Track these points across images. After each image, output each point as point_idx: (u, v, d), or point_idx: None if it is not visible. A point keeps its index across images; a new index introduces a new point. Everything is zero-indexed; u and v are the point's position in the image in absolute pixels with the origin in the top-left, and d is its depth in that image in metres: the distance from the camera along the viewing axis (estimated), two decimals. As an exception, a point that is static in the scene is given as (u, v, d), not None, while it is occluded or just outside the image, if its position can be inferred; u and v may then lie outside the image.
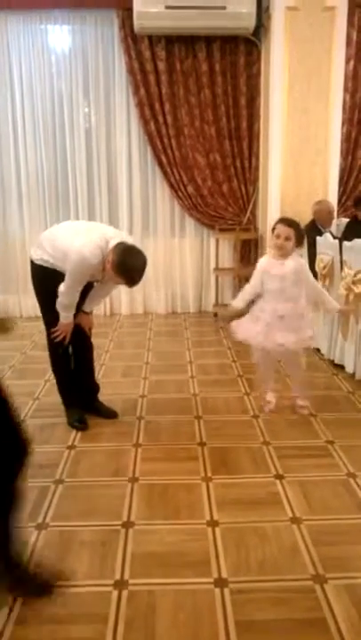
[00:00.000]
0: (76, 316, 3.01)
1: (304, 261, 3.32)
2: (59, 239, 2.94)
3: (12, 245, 5.57)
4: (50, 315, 2.98)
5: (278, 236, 3.03)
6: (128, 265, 2.73)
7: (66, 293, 2.86)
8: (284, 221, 3.09)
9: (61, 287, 2.85)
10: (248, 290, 3.25)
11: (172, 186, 5.45)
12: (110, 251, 2.75)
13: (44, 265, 2.95)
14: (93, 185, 5.54)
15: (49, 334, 3.03)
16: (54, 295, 2.88)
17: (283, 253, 3.05)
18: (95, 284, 3.11)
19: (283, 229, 3.02)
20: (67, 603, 1.81)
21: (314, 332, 3.24)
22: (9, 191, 5.49)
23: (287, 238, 3.01)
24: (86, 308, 3.09)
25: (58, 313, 2.94)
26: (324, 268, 4.06)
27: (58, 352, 3.09)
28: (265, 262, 3.15)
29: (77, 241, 2.82)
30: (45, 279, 2.95)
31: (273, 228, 3.08)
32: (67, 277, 2.83)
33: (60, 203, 5.58)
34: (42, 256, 2.97)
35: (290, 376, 3.51)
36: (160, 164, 5.41)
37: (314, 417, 3.22)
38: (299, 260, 3.15)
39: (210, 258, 5.71)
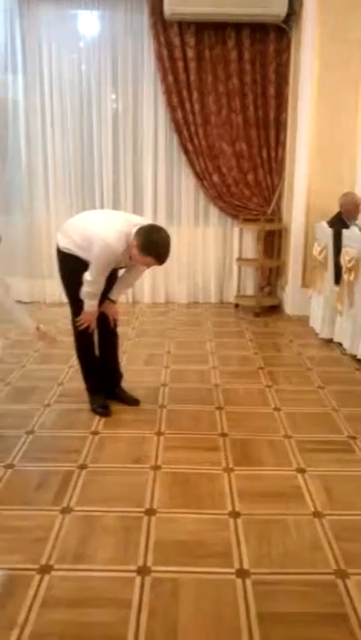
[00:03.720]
0: (101, 304, 3.03)
1: None
2: (84, 227, 2.95)
3: (38, 231, 5.61)
4: (76, 302, 3.00)
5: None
6: (153, 242, 2.75)
7: (91, 282, 2.87)
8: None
9: (86, 275, 2.86)
10: None
11: (197, 175, 5.43)
12: (134, 236, 2.76)
13: (71, 252, 2.97)
14: (119, 172, 5.54)
15: (74, 321, 3.05)
16: (80, 283, 2.90)
17: None
18: (119, 272, 3.13)
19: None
20: (91, 586, 1.84)
21: None
22: (35, 177, 5.51)
23: None
24: (112, 295, 3.10)
25: (81, 303, 2.96)
26: (350, 261, 4.01)
27: (83, 339, 3.12)
28: None
29: (102, 229, 2.83)
30: (72, 267, 2.97)
31: None
32: (91, 266, 2.84)
33: (85, 189, 5.59)
34: (68, 244, 2.98)
35: None
36: (186, 153, 5.38)
37: (336, 412, 3.21)
38: None
39: (233, 248, 5.68)
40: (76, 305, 3.00)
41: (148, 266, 2.93)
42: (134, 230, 2.78)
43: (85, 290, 2.90)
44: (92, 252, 2.82)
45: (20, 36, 5.21)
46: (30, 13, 5.17)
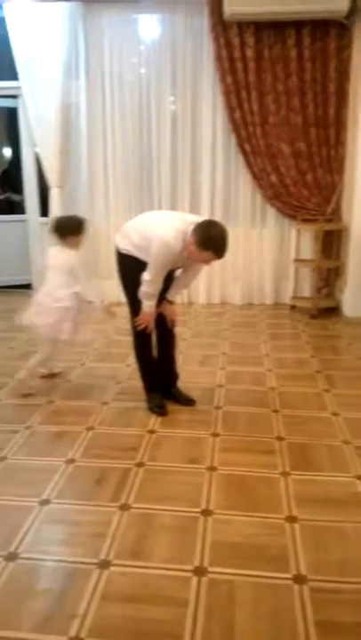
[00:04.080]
0: (159, 305, 3.07)
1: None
2: (143, 228, 3.00)
3: (97, 231, 5.73)
4: (134, 303, 3.05)
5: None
6: (211, 236, 2.75)
7: (149, 281, 2.91)
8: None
9: (144, 275, 2.90)
10: None
11: (254, 175, 5.39)
12: (191, 233, 2.78)
13: (129, 254, 3.02)
14: (177, 174, 5.58)
15: (133, 322, 3.10)
16: (138, 284, 2.94)
17: None
18: (176, 272, 3.15)
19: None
20: (148, 583, 1.88)
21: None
22: (96, 178, 5.64)
23: None
24: (170, 296, 3.14)
25: (139, 303, 3.01)
26: None
27: (141, 339, 3.17)
28: None
29: (160, 228, 2.86)
30: (130, 267, 3.02)
31: None
32: (150, 265, 2.88)
33: (143, 191, 5.67)
34: (127, 245, 3.04)
35: None
36: (243, 153, 5.35)
37: None
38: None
39: (290, 249, 5.61)
40: (135, 305, 3.06)
41: (207, 262, 2.91)
42: (191, 228, 2.80)
43: (144, 290, 2.95)
44: (151, 251, 2.85)
45: (83, 42, 5.34)
46: (93, 19, 5.29)
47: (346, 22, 4.89)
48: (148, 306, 3.00)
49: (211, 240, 2.75)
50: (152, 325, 3.12)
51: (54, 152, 5.56)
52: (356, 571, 1.92)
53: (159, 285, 2.96)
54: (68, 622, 1.72)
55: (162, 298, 3.09)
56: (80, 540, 2.10)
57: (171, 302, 3.16)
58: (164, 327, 3.22)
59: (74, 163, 5.67)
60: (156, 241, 2.82)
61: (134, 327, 3.11)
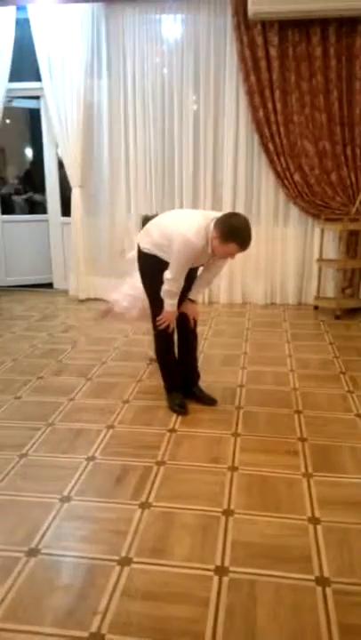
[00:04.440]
0: (181, 304, 3.06)
1: None
2: (165, 226, 2.99)
3: (119, 231, 5.76)
4: (156, 302, 3.05)
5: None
6: (234, 227, 2.73)
7: (170, 280, 2.90)
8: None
9: (166, 274, 2.89)
10: None
11: (277, 174, 5.35)
12: (213, 227, 2.76)
13: (150, 252, 3.02)
14: (199, 173, 5.57)
15: (155, 320, 3.10)
16: (160, 283, 2.93)
17: None
18: (198, 271, 3.14)
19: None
20: (169, 582, 1.86)
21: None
22: (118, 178, 5.66)
23: None
24: (192, 295, 3.12)
25: (161, 303, 3.00)
26: None
27: (162, 338, 3.16)
28: None
29: (181, 225, 2.85)
30: (152, 267, 3.01)
31: None
32: (171, 262, 2.87)
33: (165, 190, 5.67)
34: (148, 244, 3.03)
35: None
36: (267, 152, 5.31)
37: None
38: None
39: (313, 248, 5.55)
40: (156, 305, 3.05)
41: (232, 255, 2.85)
42: (212, 223, 2.78)
43: (165, 288, 2.94)
44: (172, 248, 2.84)
45: (105, 41, 5.37)
46: (115, 19, 5.31)
47: (372, 19, 4.82)
48: (170, 304, 2.99)
49: (234, 231, 2.73)
50: (174, 325, 3.11)
51: (76, 152, 5.60)
52: (380, 574, 1.88)
53: (181, 284, 2.94)
54: (89, 618, 1.71)
55: (184, 297, 3.08)
56: (101, 537, 2.10)
57: (193, 301, 3.15)
58: (186, 326, 3.20)
59: (95, 163, 5.70)
60: (178, 238, 2.81)
61: (156, 326, 3.10)
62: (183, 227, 2.83)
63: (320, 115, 5.13)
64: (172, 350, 3.24)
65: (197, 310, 3.20)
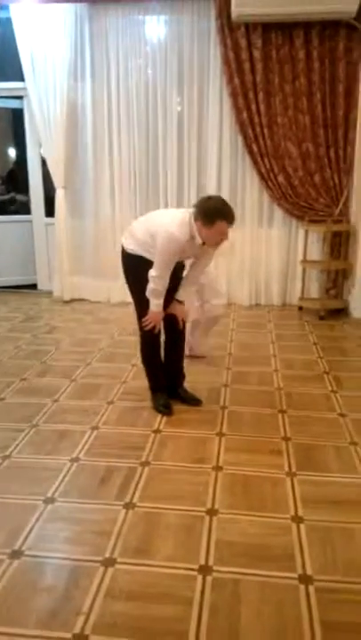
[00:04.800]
0: (169, 305, 3.06)
1: None
2: (149, 224, 3.00)
3: (103, 233, 5.75)
4: (141, 303, 3.04)
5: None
6: (212, 206, 2.76)
7: (156, 277, 2.88)
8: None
9: (151, 272, 2.88)
10: None
11: (261, 175, 5.38)
12: (194, 217, 2.78)
13: (135, 253, 3.02)
14: (183, 174, 5.58)
15: (140, 322, 3.09)
16: (146, 283, 2.93)
17: None
18: (184, 272, 3.14)
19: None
20: (153, 582, 1.87)
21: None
22: (102, 179, 5.64)
23: None
24: (179, 296, 3.12)
25: (147, 304, 2.99)
26: None
27: (148, 340, 3.14)
28: None
29: (165, 221, 2.88)
30: (136, 267, 3.01)
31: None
32: (156, 259, 2.86)
33: (149, 190, 5.67)
34: (131, 244, 3.04)
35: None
36: (251, 154, 5.34)
37: None
38: None
39: (297, 250, 5.58)
40: (142, 306, 3.04)
41: (224, 237, 2.83)
42: (192, 216, 2.80)
43: (151, 287, 2.92)
44: (156, 244, 2.84)
45: (88, 42, 5.35)
46: (99, 20, 5.30)
47: (355, 23, 4.87)
48: (156, 304, 2.98)
49: (215, 211, 2.75)
50: (160, 326, 3.10)
51: (60, 153, 5.58)
52: (362, 571, 1.90)
53: (166, 282, 2.93)
54: (72, 619, 1.71)
55: (171, 298, 3.08)
56: (85, 538, 2.09)
57: (180, 302, 3.14)
58: (174, 327, 3.20)
59: (79, 163, 5.68)
60: (162, 233, 2.81)
61: (142, 328, 3.10)
62: (166, 222, 2.85)
63: (303, 117, 5.17)
64: (158, 351, 3.24)
65: (185, 311, 3.20)
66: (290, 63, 5.09)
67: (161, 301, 2.98)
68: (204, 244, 2.87)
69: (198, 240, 2.83)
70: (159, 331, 3.13)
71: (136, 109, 5.48)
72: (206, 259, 3.13)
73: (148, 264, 2.91)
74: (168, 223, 2.83)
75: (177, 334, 3.26)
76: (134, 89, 5.43)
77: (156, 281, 2.90)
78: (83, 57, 5.41)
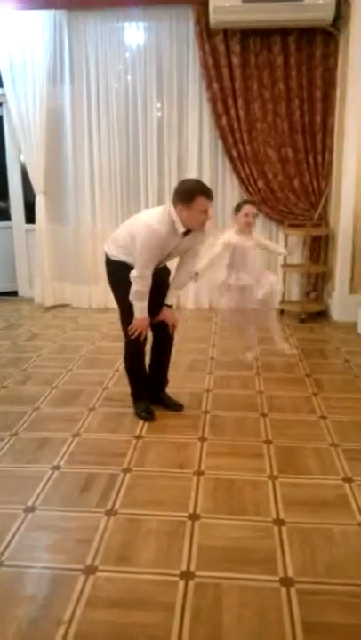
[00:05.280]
0: (158, 312, 3.06)
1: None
2: (129, 226, 3.01)
3: (84, 237, 5.73)
4: (126, 310, 3.02)
5: (247, 215, 3.59)
6: (188, 187, 2.81)
7: (138, 277, 2.85)
8: (250, 202, 3.91)
9: (133, 272, 2.86)
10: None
11: (241, 180, 5.42)
12: (173, 205, 2.79)
13: (117, 259, 3.01)
14: (164, 180, 5.59)
15: (125, 329, 3.06)
16: (129, 289, 2.91)
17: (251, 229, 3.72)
18: (170, 277, 3.15)
19: (250, 209, 3.62)
20: (135, 588, 1.86)
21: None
22: (82, 184, 5.63)
23: (254, 215, 3.68)
24: (168, 300, 3.12)
25: (132, 311, 2.96)
26: None
27: (133, 347, 3.11)
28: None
29: (144, 217, 2.90)
30: (120, 273, 2.97)
31: (238, 208, 3.66)
32: (138, 256, 2.83)
33: (131, 195, 5.67)
34: (114, 250, 3.03)
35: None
36: (230, 159, 5.38)
37: (385, 420, 3.12)
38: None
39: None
40: (126, 313, 3.02)
41: (204, 217, 2.80)
42: (171, 205, 2.81)
43: (133, 289, 2.89)
44: (137, 242, 2.81)
45: (67, 48, 5.36)
46: (77, 27, 5.30)
47: (332, 30, 4.94)
48: (140, 308, 2.94)
49: (191, 189, 2.78)
50: (146, 333, 3.06)
51: (39, 158, 5.56)
52: (342, 572, 1.92)
53: (149, 282, 2.89)
54: (53, 629, 1.69)
55: (160, 304, 3.07)
56: (65, 547, 2.07)
57: (170, 307, 3.14)
58: (163, 333, 3.19)
59: (59, 169, 5.67)
60: (142, 229, 2.81)
61: (127, 335, 3.06)
62: (145, 218, 2.87)
63: (282, 122, 5.23)
64: (143, 360, 3.22)
65: (175, 316, 3.18)
66: (268, 69, 5.14)
67: (145, 305, 2.94)
68: (186, 234, 2.86)
69: (180, 229, 2.81)
70: (145, 339, 3.10)
71: (116, 115, 5.49)
72: (191, 257, 3.12)
73: (130, 269, 2.90)
74: (148, 218, 2.85)
75: (166, 339, 3.25)
76: (114, 95, 5.44)
77: (139, 281, 2.86)
78: (62, 63, 5.41)
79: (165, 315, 3.11)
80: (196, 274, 3.42)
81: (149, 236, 2.78)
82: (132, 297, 2.92)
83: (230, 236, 3.68)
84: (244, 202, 3.84)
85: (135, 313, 2.96)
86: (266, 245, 4.01)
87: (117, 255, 3.00)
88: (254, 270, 3.76)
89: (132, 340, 3.05)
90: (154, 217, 2.83)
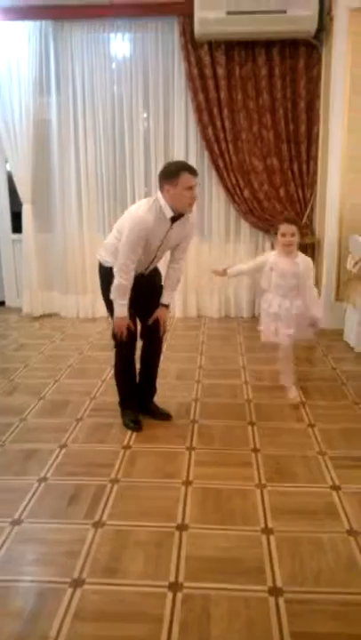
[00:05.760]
0: (152, 313, 3.09)
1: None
2: (118, 225, 3.02)
3: (72, 246, 5.72)
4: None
5: (284, 235, 3.31)
6: (171, 165, 2.90)
7: (119, 269, 2.83)
8: (289, 220, 3.46)
9: (116, 264, 2.86)
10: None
11: (228, 190, 5.45)
12: (160, 190, 2.84)
13: (107, 265, 3.00)
14: (150, 188, 5.60)
15: (115, 336, 3.05)
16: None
17: (291, 250, 3.37)
18: (162, 279, 3.17)
19: (287, 228, 3.30)
20: (123, 600, 1.84)
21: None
22: (69, 193, 5.63)
23: (292, 235, 3.32)
24: (164, 299, 3.16)
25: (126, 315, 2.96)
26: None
27: (123, 353, 3.11)
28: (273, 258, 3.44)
29: (131, 211, 2.93)
30: (109, 276, 2.95)
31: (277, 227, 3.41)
32: (122, 246, 2.83)
33: (117, 205, 5.66)
34: (104, 253, 3.04)
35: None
36: (217, 169, 5.41)
37: (371, 427, 3.14)
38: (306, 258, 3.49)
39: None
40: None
41: (191, 196, 2.83)
42: (158, 191, 2.86)
43: (116, 283, 2.86)
44: (124, 234, 2.83)
45: (53, 60, 5.37)
46: (64, 37, 5.32)
47: (314, 42, 5.01)
48: (120, 306, 2.90)
49: (175, 167, 2.86)
50: (127, 333, 3.01)
51: (27, 168, 5.55)
52: (330, 581, 1.92)
53: (131, 275, 2.87)
54: (39, 644, 1.67)
55: (152, 309, 3.10)
56: (53, 560, 2.05)
57: (166, 306, 3.17)
58: (153, 339, 3.19)
59: (46, 179, 5.66)
60: (128, 220, 2.85)
61: (117, 343, 3.06)
62: (133, 209, 2.92)
63: (267, 132, 5.28)
64: (133, 368, 3.21)
65: (166, 316, 3.19)
66: (253, 80, 5.19)
67: (125, 302, 2.90)
68: (175, 220, 2.88)
69: (169, 213, 2.83)
70: (134, 347, 3.10)
71: (102, 125, 5.51)
72: (182, 253, 3.15)
73: (112, 272, 2.91)
74: (134, 209, 2.89)
75: (154, 348, 3.25)
76: (100, 105, 5.46)
77: (121, 274, 2.84)
78: (48, 73, 5.42)
79: (160, 312, 3.13)
80: (225, 270, 3.46)
81: (135, 222, 2.80)
82: (113, 291, 2.89)
83: (271, 255, 3.50)
84: (282, 219, 3.52)
85: (115, 311, 2.93)
86: (304, 287, 3.43)
87: (107, 258, 3.00)
88: (294, 298, 3.40)
89: (122, 348, 3.06)
90: (141, 206, 2.88)
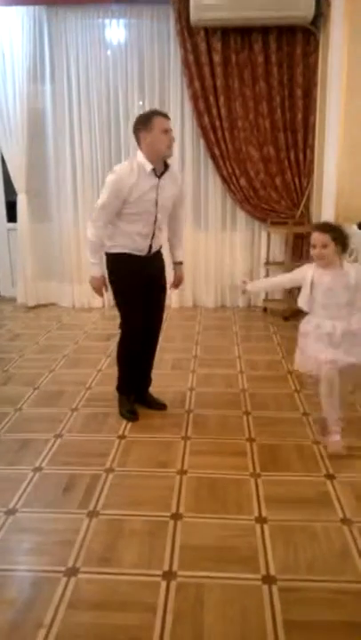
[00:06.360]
0: (153, 308, 3.13)
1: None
2: None
3: (67, 236, 5.69)
4: (123, 307, 3.06)
5: (314, 246, 2.71)
6: (142, 115, 2.92)
7: (91, 223, 2.94)
8: (319, 228, 2.78)
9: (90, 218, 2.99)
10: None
11: (224, 179, 5.42)
12: (138, 139, 2.90)
13: (111, 251, 3.01)
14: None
15: (123, 325, 3.09)
16: (126, 285, 2.98)
17: (325, 263, 2.73)
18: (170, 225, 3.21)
19: (317, 237, 2.70)
20: (116, 590, 1.85)
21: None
22: (64, 182, 5.59)
23: (324, 246, 2.68)
24: (177, 256, 3.30)
25: (132, 305, 3.00)
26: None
27: (128, 344, 3.12)
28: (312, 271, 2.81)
29: None
30: (117, 265, 3.01)
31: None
32: (97, 202, 2.93)
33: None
34: (108, 241, 3.02)
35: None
36: (213, 157, 5.37)
37: (366, 417, 3.14)
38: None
39: (261, 252, 5.64)
40: (126, 309, 3.06)
41: (168, 138, 2.85)
42: (138, 151, 2.91)
43: (89, 235, 2.97)
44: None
45: (47, 46, 5.30)
46: (58, 23, 5.25)
47: (312, 28, 4.96)
48: (92, 264, 3.02)
49: (146, 113, 2.92)
50: (100, 293, 3.12)
51: (21, 157, 5.49)
52: (324, 569, 1.93)
53: (100, 233, 2.94)
54: (34, 632, 1.68)
55: (156, 299, 3.17)
56: (47, 549, 2.06)
57: (180, 263, 3.32)
58: (151, 335, 3.22)
59: (41, 168, 5.62)
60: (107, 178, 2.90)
61: (124, 331, 3.10)
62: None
63: (264, 120, 5.24)
64: (136, 357, 3.20)
65: (182, 275, 3.38)
66: (249, 67, 5.14)
67: (96, 260, 3.01)
68: (162, 175, 2.89)
69: (148, 166, 2.85)
70: (140, 336, 3.12)
71: (97, 112, 5.45)
72: (179, 208, 3.19)
73: (125, 258, 2.96)
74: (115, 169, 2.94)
75: (150, 338, 3.24)
76: (95, 92, 5.40)
77: (91, 229, 2.96)
78: (42, 60, 5.35)
79: (178, 273, 3.32)
80: (245, 282, 3.11)
81: (109, 178, 2.86)
82: (87, 247, 3.03)
83: (311, 267, 2.84)
84: (313, 227, 2.97)
85: (90, 269, 3.04)
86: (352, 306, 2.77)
87: (107, 244, 3.00)
88: (347, 316, 2.75)
89: (127, 337, 3.09)
90: (119, 167, 2.92)
